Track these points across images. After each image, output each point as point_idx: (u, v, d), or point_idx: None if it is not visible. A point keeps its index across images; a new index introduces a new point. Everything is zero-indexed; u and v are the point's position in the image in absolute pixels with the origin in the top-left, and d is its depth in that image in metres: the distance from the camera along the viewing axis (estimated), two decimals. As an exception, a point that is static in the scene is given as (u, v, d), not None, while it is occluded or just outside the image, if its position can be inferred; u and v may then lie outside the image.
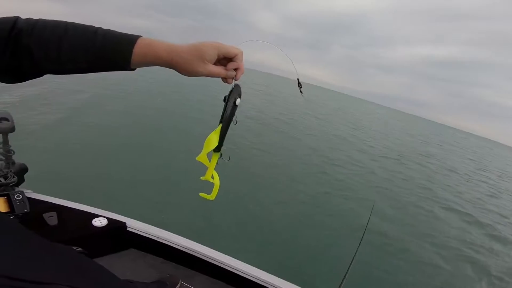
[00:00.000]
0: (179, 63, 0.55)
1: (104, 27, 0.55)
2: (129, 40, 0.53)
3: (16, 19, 0.50)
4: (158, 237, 1.38)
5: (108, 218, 1.35)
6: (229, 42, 0.57)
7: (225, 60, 0.58)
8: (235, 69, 0.58)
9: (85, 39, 0.51)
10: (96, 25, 0.54)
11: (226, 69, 0.58)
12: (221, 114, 0.62)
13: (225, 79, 0.59)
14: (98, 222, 1.31)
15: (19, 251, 0.42)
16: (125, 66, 0.54)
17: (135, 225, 1.39)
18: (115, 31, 0.54)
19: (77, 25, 0.53)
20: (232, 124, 0.63)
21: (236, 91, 0.61)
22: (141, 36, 0.55)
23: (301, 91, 0.69)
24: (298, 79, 0.68)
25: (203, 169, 0.67)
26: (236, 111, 0.62)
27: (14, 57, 0.50)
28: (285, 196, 5.09)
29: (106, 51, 0.52)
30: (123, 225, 1.38)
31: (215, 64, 0.57)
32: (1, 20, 0.50)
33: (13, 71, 0.51)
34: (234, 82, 0.60)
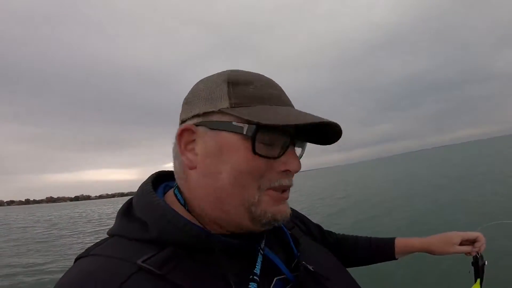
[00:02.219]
0: (433, 249, 0.83)
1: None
2: (390, 243, 0.84)
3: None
4: None
5: None
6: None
7: (467, 241, 0.83)
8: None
9: (367, 247, 0.85)
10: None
11: (474, 247, 0.82)
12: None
13: (468, 253, 0.83)
14: None
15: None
16: (392, 258, 0.84)
17: None
18: (378, 238, 0.87)
19: (361, 238, 0.87)
20: None
21: (481, 260, 0.83)
22: (396, 238, 0.85)
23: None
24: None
25: None
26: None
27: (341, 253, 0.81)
28: None
29: (380, 253, 0.84)
30: None
31: (460, 244, 0.82)
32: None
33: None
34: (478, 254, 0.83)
